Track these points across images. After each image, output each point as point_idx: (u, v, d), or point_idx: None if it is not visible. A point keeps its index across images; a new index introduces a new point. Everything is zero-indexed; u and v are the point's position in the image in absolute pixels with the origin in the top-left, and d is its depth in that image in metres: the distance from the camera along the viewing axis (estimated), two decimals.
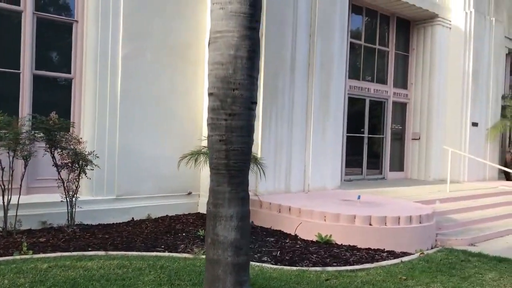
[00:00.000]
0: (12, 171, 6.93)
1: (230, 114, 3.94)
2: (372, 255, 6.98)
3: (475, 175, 15.13)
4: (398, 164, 15.36)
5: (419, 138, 15.11)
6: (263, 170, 8.47)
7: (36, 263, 5.30)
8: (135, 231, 7.75)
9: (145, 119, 8.85)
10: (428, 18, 14.82)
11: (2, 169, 6.80)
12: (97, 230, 7.60)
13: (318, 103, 10.52)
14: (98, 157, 7.48)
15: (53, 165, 7.20)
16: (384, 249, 7.39)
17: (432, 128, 14.78)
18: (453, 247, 8.05)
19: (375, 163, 14.62)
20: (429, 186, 13.05)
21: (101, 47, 8.34)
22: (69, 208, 7.29)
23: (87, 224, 7.99)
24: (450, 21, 15.03)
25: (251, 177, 8.77)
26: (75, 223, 7.50)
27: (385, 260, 6.71)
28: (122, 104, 8.52)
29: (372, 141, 14.43)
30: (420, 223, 7.97)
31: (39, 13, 8.17)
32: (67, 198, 7.22)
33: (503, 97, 17.01)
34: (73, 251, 6.18)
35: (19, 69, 8.00)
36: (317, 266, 6.18)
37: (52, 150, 7.13)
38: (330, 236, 7.60)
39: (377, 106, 14.64)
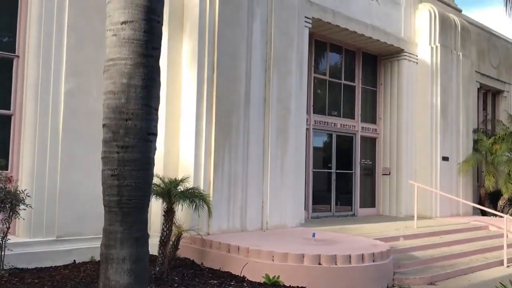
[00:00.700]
0: None
1: (123, 146, 3.66)
2: None
3: (448, 210, 14.82)
4: (370, 200, 15.04)
5: (389, 174, 14.85)
6: (209, 208, 8.10)
7: None
8: (70, 275, 7.28)
9: (89, 157, 8.47)
10: (394, 53, 14.86)
11: None
12: (28, 275, 7.12)
13: (276, 138, 10.27)
14: (29, 196, 7.10)
15: None
16: None
17: (402, 163, 14.56)
18: (410, 286, 7.67)
19: (345, 199, 14.29)
20: (398, 222, 12.70)
21: (43, 83, 8.10)
22: None
23: (21, 268, 7.49)
24: (416, 55, 15.08)
25: (202, 215, 8.44)
26: (5, 267, 7.02)
27: None
28: (64, 141, 8.20)
29: (341, 177, 14.14)
30: (373, 261, 7.58)
31: None
32: None
33: (475, 131, 16.96)
34: None
35: None
36: None
37: None
38: (278, 277, 7.18)
39: (345, 141, 14.45)
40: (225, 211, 9.25)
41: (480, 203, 16.40)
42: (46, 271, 7.44)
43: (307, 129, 12.89)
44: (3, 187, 6.80)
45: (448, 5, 16.78)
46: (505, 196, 15.59)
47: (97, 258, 8.24)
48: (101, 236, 8.36)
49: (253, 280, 7.33)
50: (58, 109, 8.17)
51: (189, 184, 8.67)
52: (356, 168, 14.50)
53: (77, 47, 8.42)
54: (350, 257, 7.38)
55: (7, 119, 8.22)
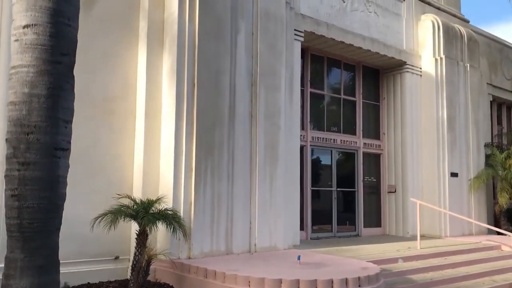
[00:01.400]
0: None
1: (24, 163, 3.26)
2: None
3: (459, 229, 14.00)
4: (375, 219, 14.33)
5: (395, 191, 14.16)
6: (184, 230, 7.65)
7: None
8: None
9: None
10: (396, 66, 14.31)
11: None
12: None
13: (264, 156, 9.79)
14: None
15: None
16: None
17: (408, 180, 13.86)
18: None
19: (348, 219, 13.63)
20: (402, 242, 11.97)
21: None
22: None
23: None
24: (420, 68, 14.50)
25: (183, 238, 8.00)
26: None
27: None
28: None
29: (343, 195, 13.53)
30: (359, 286, 6.97)
31: None
32: None
33: (487, 145, 16.15)
34: None
35: None
36: None
37: None
38: None
39: (347, 158, 13.87)
40: (207, 233, 8.76)
41: (495, 221, 15.53)
42: None
43: (303, 145, 12.42)
44: None
45: (454, 15, 16.20)
46: None
47: (71, 284, 7.91)
48: (76, 260, 8.02)
49: None
50: None
51: (168, 204, 8.28)
52: (359, 185, 13.86)
53: None
54: (332, 282, 6.80)
55: None
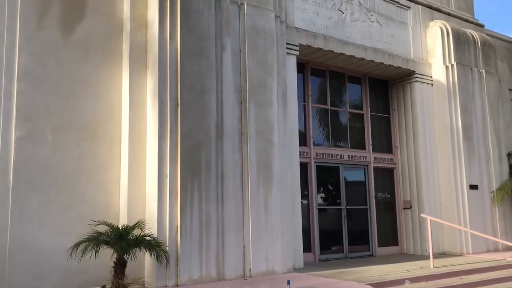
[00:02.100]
0: None
1: None
2: None
3: (483, 245, 13.09)
4: (391, 238, 13.57)
5: (411, 207, 13.40)
6: (166, 257, 7.29)
7: None
8: None
9: (45, 207, 8.03)
10: (405, 76, 13.73)
11: None
12: None
13: (257, 174, 9.37)
14: None
15: None
16: None
17: (423, 195, 13.09)
18: None
19: (361, 238, 12.94)
20: (416, 262, 11.19)
21: None
22: None
23: None
24: (430, 76, 13.86)
25: (171, 264, 7.66)
26: None
27: None
28: (15, 192, 7.78)
29: (353, 213, 12.88)
30: None
31: None
32: None
33: (510, 155, 15.18)
34: None
35: None
36: None
37: None
38: None
39: (356, 174, 13.26)
40: (196, 258, 8.36)
41: None
42: None
43: (307, 163, 11.95)
44: None
45: (466, 20, 15.51)
46: None
47: None
48: None
49: None
50: (8, 156, 7.81)
51: (152, 230, 7.98)
52: (371, 202, 13.18)
53: (29, 92, 8.11)
54: None
55: None
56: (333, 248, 12.27)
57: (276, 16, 10.28)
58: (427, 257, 11.98)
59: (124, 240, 6.91)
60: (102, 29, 9.03)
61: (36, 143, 8.07)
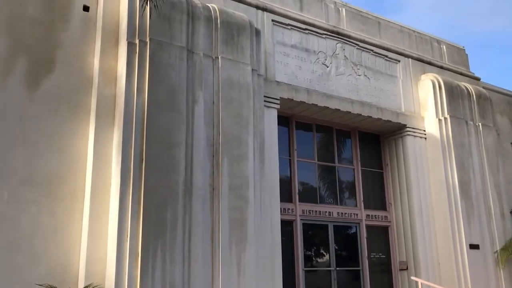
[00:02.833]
0: None
1: None
2: None
3: None
4: None
5: (407, 268, 12.52)
6: None
7: None
8: None
9: None
10: (396, 130, 13.28)
11: None
12: None
13: (229, 233, 8.79)
14: None
15: None
16: None
17: (419, 255, 12.24)
18: None
19: None
20: None
21: None
22: None
23: None
24: (423, 130, 13.38)
25: None
26: None
27: None
28: None
29: (344, 275, 12.04)
30: None
31: None
32: None
33: None
34: None
35: None
36: None
37: None
38: None
39: (347, 232, 12.54)
40: None
41: None
42: None
43: (292, 220, 11.35)
44: None
45: (461, 73, 15.23)
46: None
47: None
48: None
49: None
50: None
51: None
52: (364, 263, 12.34)
53: None
54: None
55: None
56: None
57: (253, 69, 10.06)
58: None
59: None
60: (71, 83, 8.83)
61: None
